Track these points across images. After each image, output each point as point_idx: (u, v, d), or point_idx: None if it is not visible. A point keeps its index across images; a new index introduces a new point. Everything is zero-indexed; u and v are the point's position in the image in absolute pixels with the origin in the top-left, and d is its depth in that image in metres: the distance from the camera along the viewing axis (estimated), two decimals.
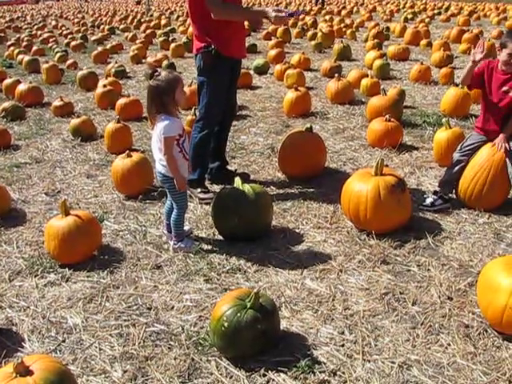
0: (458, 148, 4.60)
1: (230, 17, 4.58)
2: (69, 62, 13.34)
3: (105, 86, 8.98)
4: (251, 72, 10.62)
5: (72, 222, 3.85)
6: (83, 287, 3.61)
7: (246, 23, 5.03)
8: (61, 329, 3.19)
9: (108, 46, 16.22)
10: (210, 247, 4.05)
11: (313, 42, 14.66)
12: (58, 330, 3.18)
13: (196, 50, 4.79)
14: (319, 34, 15.39)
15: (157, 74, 3.67)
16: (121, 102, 7.90)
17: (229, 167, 5.43)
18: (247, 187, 4.01)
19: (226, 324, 2.73)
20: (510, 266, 2.94)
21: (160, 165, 3.80)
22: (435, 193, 4.61)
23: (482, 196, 4.37)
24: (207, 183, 5.10)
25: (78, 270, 3.81)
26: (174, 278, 3.65)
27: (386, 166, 4.41)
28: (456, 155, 4.56)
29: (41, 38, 19.85)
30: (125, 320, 3.23)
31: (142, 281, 3.65)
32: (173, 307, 3.34)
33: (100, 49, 14.92)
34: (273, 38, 15.94)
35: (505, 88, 4.29)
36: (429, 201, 4.56)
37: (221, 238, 4.17)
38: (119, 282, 3.64)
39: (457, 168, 4.51)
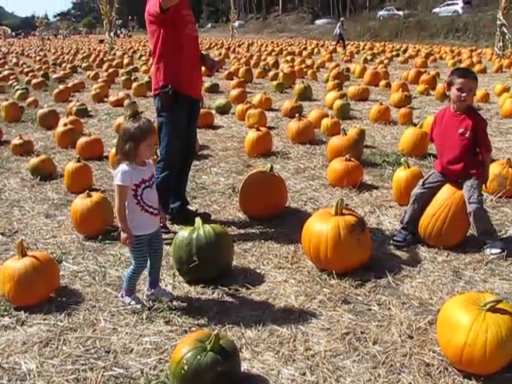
0: (420, 183, 4.71)
1: None
2: (29, 99, 13.23)
3: (65, 124, 8.94)
4: (213, 111, 10.71)
5: (29, 263, 3.78)
6: (39, 331, 3.52)
7: (203, 68, 5.13)
8: (14, 375, 3.09)
9: (70, 85, 16.17)
10: (170, 288, 4.01)
11: (274, 82, 14.91)
12: (10, 376, 3.08)
13: (154, 90, 4.87)
14: (280, 74, 15.67)
15: (137, 117, 3.51)
16: (81, 140, 7.85)
17: (189, 207, 5.42)
18: (208, 228, 4.01)
19: (185, 367, 2.70)
20: (468, 303, 2.98)
21: None
22: (405, 229, 4.70)
23: (441, 233, 4.46)
24: (168, 223, 5.07)
25: (34, 313, 3.72)
26: (133, 320, 3.59)
27: (346, 205, 4.48)
28: (417, 191, 4.66)
29: (1, 76, 19.67)
30: (82, 364, 3.16)
31: (100, 323, 3.58)
32: (132, 350, 3.28)
33: (61, 87, 14.88)
34: (234, 77, 16.15)
35: (461, 130, 4.42)
36: (401, 236, 4.66)
37: (181, 278, 4.14)
38: (77, 325, 3.56)
39: (418, 205, 4.61)
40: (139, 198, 3.54)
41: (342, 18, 38.34)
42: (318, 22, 71.80)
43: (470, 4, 51.26)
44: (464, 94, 4.36)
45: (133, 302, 3.74)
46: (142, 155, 3.52)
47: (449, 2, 53.43)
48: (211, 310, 3.68)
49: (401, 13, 57.41)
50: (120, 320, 3.61)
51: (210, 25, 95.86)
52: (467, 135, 4.40)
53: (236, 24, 61.53)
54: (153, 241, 3.68)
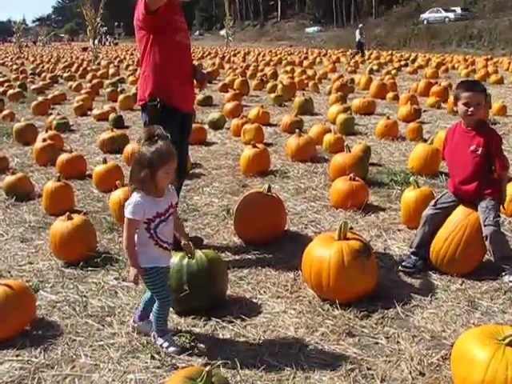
0: (432, 204, 4.73)
1: None
2: (5, 112, 13.31)
3: (44, 139, 8.94)
4: (206, 127, 10.75)
5: (1, 293, 3.76)
6: (11, 368, 3.47)
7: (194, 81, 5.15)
8: None
9: (49, 96, 16.27)
10: None
11: (272, 95, 15.00)
12: None
13: (139, 101, 4.88)
14: (279, 85, 15.78)
15: (154, 139, 3.32)
16: (62, 158, 7.84)
17: None
18: (199, 253, 4.01)
19: None
20: (485, 336, 2.96)
21: None
22: (415, 253, 4.71)
23: (455, 258, 4.46)
24: None
25: (6, 348, 3.68)
26: (117, 356, 3.56)
27: (351, 228, 4.48)
28: (428, 212, 4.69)
29: None
30: None
31: (80, 359, 3.55)
32: None
33: (40, 99, 14.96)
34: (229, 89, 16.24)
35: (472, 147, 4.46)
36: (410, 262, 4.66)
37: (170, 309, 4.11)
38: (54, 361, 3.53)
39: (429, 227, 4.63)
40: (152, 231, 3.42)
41: (360, 25, 38.61)
42: (309, 29, 73.27)
43: (468, 11, 53.53)
44: (471, 109, 4.39)
45: (165, 344, 3.59)
46: (159, 183, 3.36)
47: (438, 9, 56.46)
48: (203, 344, 3.66)
49: (451, 15, 53.76)
50: (102, 355, 3.58)
51: (197, 32, 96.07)
52: (479, 152, 4.43)
53: (223, 32, 61.98)
54: None
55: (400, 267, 4.67)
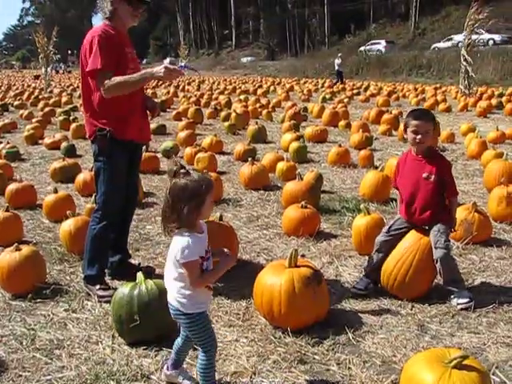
0: (385, 230, 4.81)
1: (120, 88, 4.53)
2: None
3: None
4: (159, 155, 10.73)
5: None
6: None
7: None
8: None
9: None
10: (108, 351, 3.94)
11: (226, 123, 15.11)
12: None
13: (89, 135, 4.84)
14: (233, 114, 15.87)
15: (184, 171, 3.04)
16: (11, 187, 7.70)
17: (132, 260, 5.38)
18: (150, 283, 3.98)
19: None
20: (432, 360, 2.99)
21: (172, 295, 3.17)
22: (367, 276, 4.79)
23: (405, 282, 4.54)
24: (107, 279, 5.02)
25: None
26: None
27: (303, 256, 4.52)
28: (381, 238, 4.77)
29: None
30: None
31: None
32: None
33: None
34: (183, 118, 16.28)
35: (425, 174, 4.56)
36: (362, 284, 4.74)
37: (121, 340, 4.07)
38: None
39: (383, 254, 4.71)
40: (205, 272, 3.13)
41: (339, 54, 39.36)
42: (243, 59, 75.25)
43: (393, 43, 57.50)
44: (419, 137, 4.50)
45: None
46: (205, 213, 3.11)
47: (373, 42, 59.98)
48: (154, 375, 3.62)
49: (497, 37, 44.95)
50: None
51: (145, 61, 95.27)
52: (432, 179, 4.53)
53: (167, 61, 61.74)
54: None
55: (352, 288, 4.73)
